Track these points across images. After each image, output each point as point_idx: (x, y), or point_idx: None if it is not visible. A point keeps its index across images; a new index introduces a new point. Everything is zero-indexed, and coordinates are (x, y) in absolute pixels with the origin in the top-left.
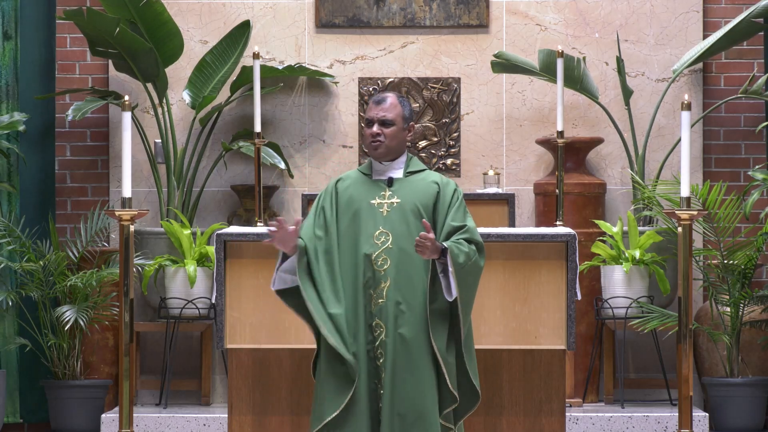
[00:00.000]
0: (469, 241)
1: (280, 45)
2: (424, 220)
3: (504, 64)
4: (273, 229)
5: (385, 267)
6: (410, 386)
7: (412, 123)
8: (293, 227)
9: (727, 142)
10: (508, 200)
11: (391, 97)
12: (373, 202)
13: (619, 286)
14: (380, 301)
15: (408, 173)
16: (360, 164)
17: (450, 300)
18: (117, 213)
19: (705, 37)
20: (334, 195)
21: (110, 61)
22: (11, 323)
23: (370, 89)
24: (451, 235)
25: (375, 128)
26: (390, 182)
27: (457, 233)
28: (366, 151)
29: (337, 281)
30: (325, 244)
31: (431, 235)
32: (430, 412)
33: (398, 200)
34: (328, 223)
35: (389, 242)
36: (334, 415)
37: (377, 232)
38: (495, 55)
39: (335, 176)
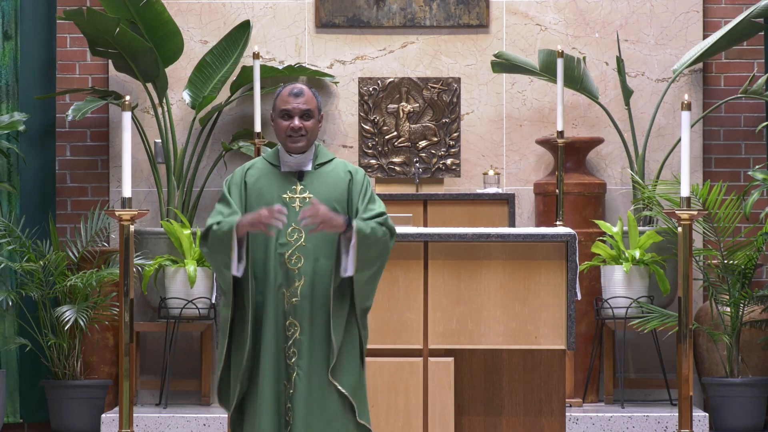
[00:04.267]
0: (381, 223)
1: (280, 45)
2: (313, 199)
3: (504, 64)
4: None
5: (299, 265)
6: (329, 386)
7: (322, 114)
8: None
9: (727, 142)
10: (508, 200)
11: (306, 89)
12: (284, 196)
13: (619, 286)
14: (294, 300)
15: (318, 165)
16: (359, 164)
17: (344, 276)
18: (117, 213)
19: (705, 37)
20: (243, 188)
21: (110, 61)
22: (11, 323)
23: (370, 89)
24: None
25: (297, 121)
26: (300, 176)
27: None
28: (282, 144)
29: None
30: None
31: (321, 207)
32: (346, 413)
33: (310, 195)
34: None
35: (302, 239)
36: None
37: (290, 229)
38: (495, 55)
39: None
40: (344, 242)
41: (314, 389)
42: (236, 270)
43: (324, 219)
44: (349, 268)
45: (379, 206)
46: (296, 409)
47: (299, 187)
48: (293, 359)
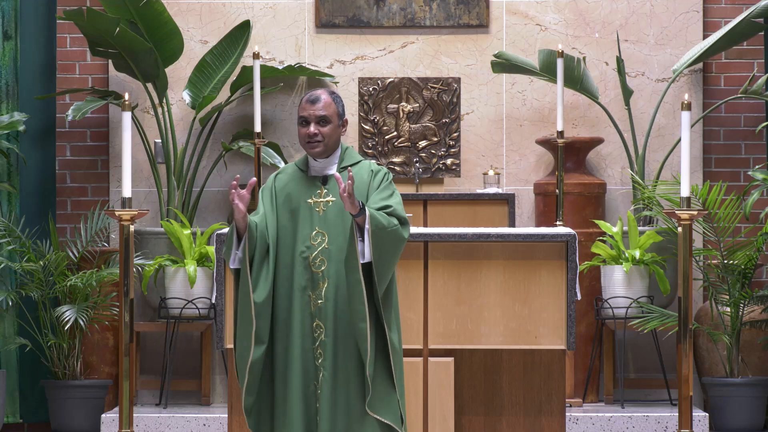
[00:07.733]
0: (390, 214)
1: (280, 45)
2: (348, 168)
3: (504, 64)
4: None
5: (323, 268)
6: (351, 385)
7: (345, 119)
8: (244, 192)
9: (727, 142)
10: (508, 200)
11: (324, 96)
12: (309, 201)
13: (619, 286)
14: (319, 302)
15: (342, 168)
16: None
17: (363, 261)
18: (117, 213)
19: (705, 37)
20: (273, 193)
21: (110, 61)
22: (11, 323)
23: (370, 89)
24: None
25: (312, 128)
26: (324, 180)
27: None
28: (304, 150)
29: (268, 276)
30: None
31: (350, 183)
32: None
33: (333, 198)
34: (268, 223)
35: (325, 242)
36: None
37: (313, 233)
38: (495, 55)
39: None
40: (357, 229)
41: (339, 390)
42: (233, 263)
43: (350, 192)
44: (366, 254)
45: (393, 200)
46: (322, 409)
47: (323, 191)
48: (320, 360)
